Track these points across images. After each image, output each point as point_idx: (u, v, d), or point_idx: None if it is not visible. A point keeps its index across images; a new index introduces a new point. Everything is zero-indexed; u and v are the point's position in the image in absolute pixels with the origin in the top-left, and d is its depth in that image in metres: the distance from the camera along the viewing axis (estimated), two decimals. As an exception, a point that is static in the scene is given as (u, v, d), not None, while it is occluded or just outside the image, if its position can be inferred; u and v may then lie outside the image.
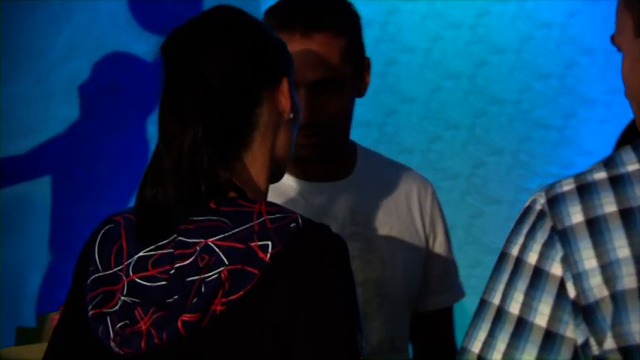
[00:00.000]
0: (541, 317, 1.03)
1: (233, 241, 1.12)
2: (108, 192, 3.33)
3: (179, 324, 1.10)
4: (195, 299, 1.11)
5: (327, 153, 1.56)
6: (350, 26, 1.55)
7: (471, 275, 3.78)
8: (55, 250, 3.30)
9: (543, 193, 1.09)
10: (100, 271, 1.19)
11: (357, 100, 1.63)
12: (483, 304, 1.09)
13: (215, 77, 1.18)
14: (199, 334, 1.11)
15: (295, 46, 1.46)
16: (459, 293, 1.71)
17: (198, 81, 1.18)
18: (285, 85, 1.23)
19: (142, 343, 1.12)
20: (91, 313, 1.17)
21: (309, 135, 1.49)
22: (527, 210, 1.11)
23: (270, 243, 1.11)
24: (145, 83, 3.44)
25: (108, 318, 1.16)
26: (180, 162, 1.16)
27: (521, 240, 1.09)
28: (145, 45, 3.47)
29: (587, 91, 3.77)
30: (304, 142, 1.49)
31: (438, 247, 1.67)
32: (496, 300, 1.07)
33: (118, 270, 1.18)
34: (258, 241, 1.12)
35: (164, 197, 1.16)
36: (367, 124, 3.62)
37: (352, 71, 1.55)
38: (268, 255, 1.11)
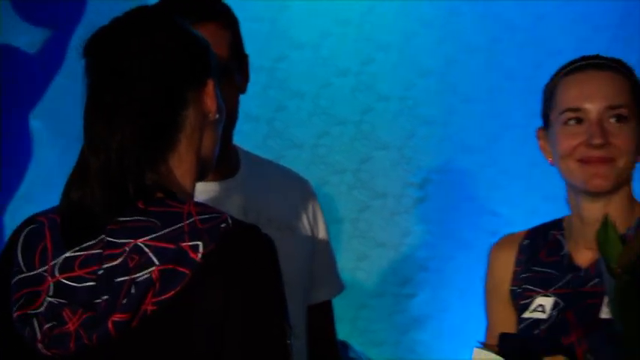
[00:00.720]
0: None
1: (163, 241, 1.12)
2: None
3: (109, 324, 1.10)
4: (125, 299, 1.10)
5: (223, 144, 1.58)
6: (233, 21, 1.59)
7: (358, 268, 3.85)
8: None
9: None
10: (23, 272, 1.18)
11: (247, 96, 1.65)
12: None
13: (141, 79, 1.18)
14: (130, 335, 1.11)
15: None
16: (339, 286, 1.77)
17: (124, 83, 1.18)
18: (210, 87, 1.24)
19: (71, 344, 1.12)
20: (16, 314, 1.16)
21: None
22: None
23: (200, 243, 1.12)
24: (27, 76, 3.34)
25: (34, 319, 1.14)
26: (107, 164, 1.16)
27: None
28: (26, 37, 3.37)
29: (468, 89, 3.90)
30: None
31: (321, 242, 1.73)
32: None
33: (43, 271, 1.16)
34: (189, 241, 1.12)
35: (91, 200, 1.15)
36: (256, 120, 3.63)
37: (237, 65, 1.58)
38: (199, 255, 1.11)
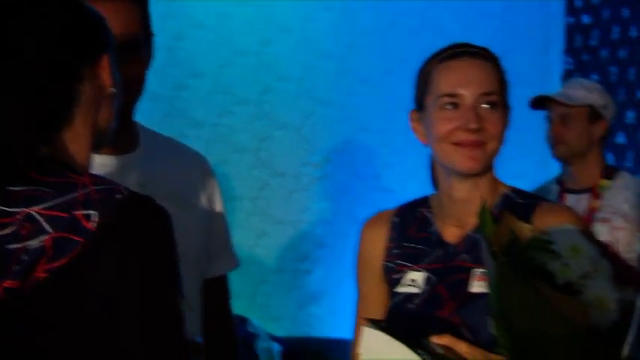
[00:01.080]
0: None
1: (56, 210, 1.13)
2: None
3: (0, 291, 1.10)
4: (16, 266, 1.11)
5: (124, 118, 1.62)
6: None
7: (257, 245, 3.91)
8: None
9: None
10: None
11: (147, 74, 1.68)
12: None
13: (31, 55, 1.18)
14: (21, 302, 1.11)
15: (97, 8, 1.50)
16: (235, 262, 1.80)
17: (14, 59, 1.17)
18: (105, 61, 1.24)
19: None
20: None
21: None
22: None
23: (95, 212, 1.13)
24: None
25: None
26: None
27: None
28: None
29: (365, 71, 3.99)
30: None
31: (218, 218, 1.76)
32: None
33: None
34: (83, 210, 1.13)
35: None
36: (157, 98, 3.62)
37: (145, 41, 1.61)
38: (93, 224, 1.13)
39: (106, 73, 1.24)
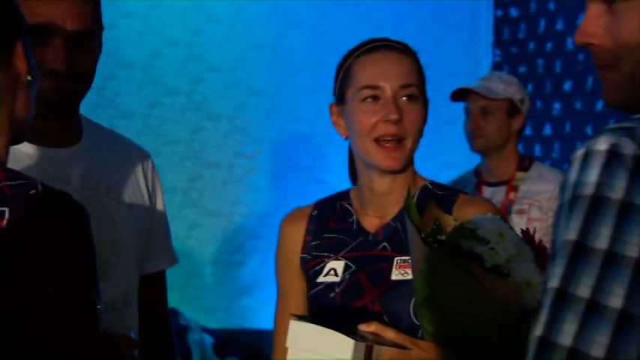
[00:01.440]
0: None
1: None
2: None
3: None
4: None
5: (70, 110, 1.61)
6: None
7: (189, 237, 3.89)
8: None
9: (627, 139, 0.90)
10: None
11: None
12: (567, 296, 0.95)
13: None
14: None
15: (53, 1, 1.53)
16: (174, 259, 1.81)
17: None
18: (19, 49, 1.22)
19: None
20: None
21: (63, 81, 1.53)
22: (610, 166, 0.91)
23: (7, 209, 1.11)
24: None
25: None
26: None
27: (608, 233, 0.91)
28: None
29: (297, 62, 4.00)
30: (56, 87, 1.52)
31: (158, 213, 1.76)
32: (584, 294, 0.93)
33: None
34: None
35: None
36: (85, 89, 3.57)
37: (99, 34, 1.61)
38: (5, 221, 1.10)
39: (20, 61, 1.22)
